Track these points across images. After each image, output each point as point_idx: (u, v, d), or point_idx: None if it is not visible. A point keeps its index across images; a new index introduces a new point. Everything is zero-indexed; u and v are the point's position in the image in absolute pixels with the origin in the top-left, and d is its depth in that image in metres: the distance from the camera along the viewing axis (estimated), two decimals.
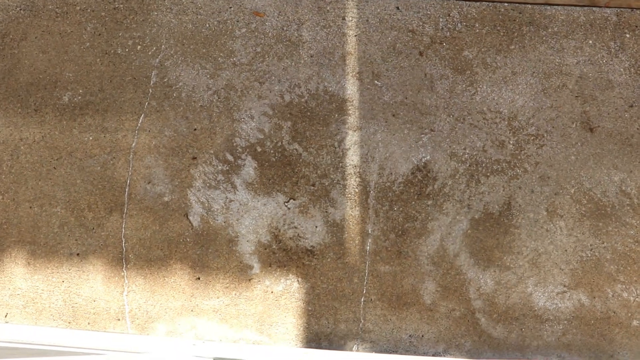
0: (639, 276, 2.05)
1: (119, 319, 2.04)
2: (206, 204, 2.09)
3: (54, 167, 2.12)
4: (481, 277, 2.05)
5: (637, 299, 2.04)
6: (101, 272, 2.07)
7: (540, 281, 2.05)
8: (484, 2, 2.23)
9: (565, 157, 2.13)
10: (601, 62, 2.19)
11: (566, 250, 2.07)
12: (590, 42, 2.21)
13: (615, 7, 2.22)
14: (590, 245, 2.07)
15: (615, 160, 2.13)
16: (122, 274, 2.06)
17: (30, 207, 2.10)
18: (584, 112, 2.16)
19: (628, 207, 2.10)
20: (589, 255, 2.07)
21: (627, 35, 2.21)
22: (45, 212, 2.09)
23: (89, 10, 2.23)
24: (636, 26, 2.22)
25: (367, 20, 2.22)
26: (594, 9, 2.22)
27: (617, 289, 2.05)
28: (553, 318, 2.03)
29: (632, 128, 2.15)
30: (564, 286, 2.05)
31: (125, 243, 2.08)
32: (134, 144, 2.13)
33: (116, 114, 2.15)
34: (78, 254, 2.08)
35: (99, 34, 2.21)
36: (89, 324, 2.04)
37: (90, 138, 2.14)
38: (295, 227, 2.08)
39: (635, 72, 2.19)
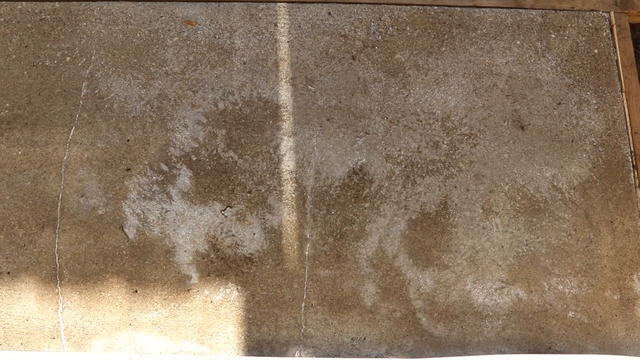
0: (572, 268, 2.10)
1: (54, 337, 1.98)
2: (142, 216, 2.06)
3: None
4: (420, 277, 2.07)
5: (571, 291, 2.09)
6: (34, 289, 2.01)
7: (478, 278, 2.08)
8: (414, 6, 2.27)
9: (499, 155, 2.17)
10: (529, 61, 2.25)
11: (502, 247, 2.11)
12: (518, 42, 2.27)
13: (540, 9, 2.29)
14: (526, 240, 2.12)
15: (546, 156, 2.18)
16: (57, 290, 2.01)
17: None
18: (515, 110, 2.21)
19: (560, 202, 2.15)
20: (525, 250, 2.11)
21: (553, 36, 2.28)
22: None
23: (14, 22, 2.17)
24: (560, 27, 2.29)
25: (299, 26, 2.23)
26: (520, 10, 2.29)
27: (553, 282, 2.09)
28: (492, 314, 2.07)
29: (561, 125, 2.21)
30: (502, 282, 2.08)
31: (58, 259, 2.03)
32: (65, 157, 2.09)
33: (46, 127, 2.10)
34: (9, 273, 2.01)
35: (26, 46, 2.16)
36: (22, 344, 1.98)
37: (20, 153, 2.08)
38: (233, 235, 2.06)
39: (561, 70, 2.25)
